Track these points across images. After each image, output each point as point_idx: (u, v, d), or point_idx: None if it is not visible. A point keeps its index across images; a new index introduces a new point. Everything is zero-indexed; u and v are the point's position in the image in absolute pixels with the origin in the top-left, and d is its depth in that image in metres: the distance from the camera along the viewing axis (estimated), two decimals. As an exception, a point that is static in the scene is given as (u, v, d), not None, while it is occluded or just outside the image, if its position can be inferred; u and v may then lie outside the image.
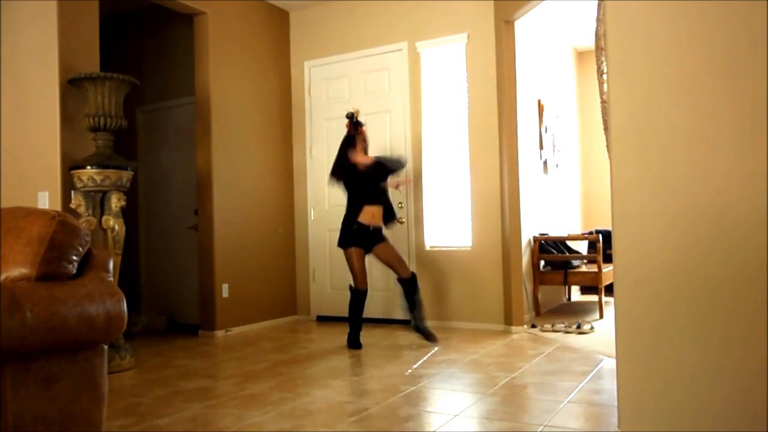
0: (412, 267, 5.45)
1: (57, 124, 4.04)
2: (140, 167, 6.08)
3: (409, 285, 4.54)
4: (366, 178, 4.55)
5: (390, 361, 4.01)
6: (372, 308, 5.57)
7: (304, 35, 6.10)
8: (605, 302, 5.85)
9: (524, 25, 5.61)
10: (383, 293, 5.58)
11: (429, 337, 4.55)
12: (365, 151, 4.67)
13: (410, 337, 4.85)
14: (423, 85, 5.51)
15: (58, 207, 3.97)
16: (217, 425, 2.75)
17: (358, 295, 4.54)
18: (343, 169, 4.59)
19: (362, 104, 5.57)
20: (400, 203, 5.51)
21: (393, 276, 5.50)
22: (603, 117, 3.29)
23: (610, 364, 3.70)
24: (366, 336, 4.83)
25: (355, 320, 4.55)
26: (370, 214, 4.50)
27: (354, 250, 4.50)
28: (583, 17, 6.50)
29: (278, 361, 4.09)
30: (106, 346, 2.05)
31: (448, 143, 5.46)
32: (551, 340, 4.58)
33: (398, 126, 5.58)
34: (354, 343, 4.53)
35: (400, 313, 5.49)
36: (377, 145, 5.64)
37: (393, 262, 4.56)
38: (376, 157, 4.66)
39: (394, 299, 5.53)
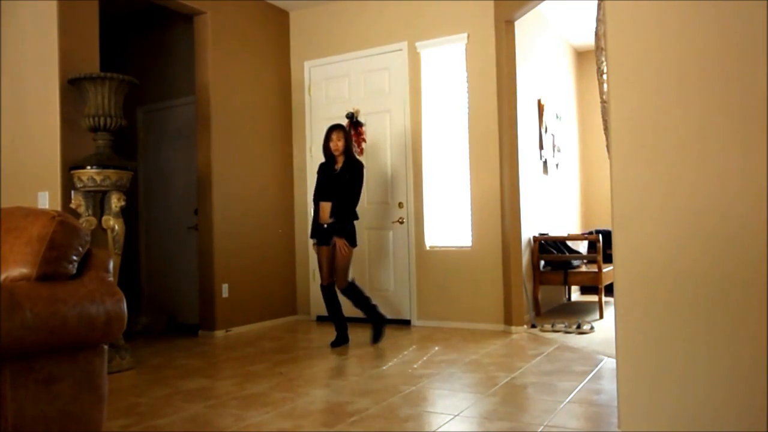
0: (412, 267, 5.46)
1: (57, 124, 4.04)
2: (140, 167, 6.09)
3: (347, 294, 4.58)
4: (331, 181, 4.60)
5: (390, 361, 4.01)
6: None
7: (304, 35, 6.10)
8: (605, 302, 5.85)
9: (524, 25, 5.61)
10: (382, 293, 5.58)
11: (378, 336, 4.61)
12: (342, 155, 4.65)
13: (410, 338, 4.86)
14: (423, 85, 5.51)
15: (58, 207, 3.97)
16: (217, 425, 2.75)
17: (323, 290, 4.65)
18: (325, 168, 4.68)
19: (362, 104, 5.57)
20: (400, 203, 5.52)
21: (392, 276, 5.54)
22: (603, 117, 3.29)
23: (610, 364, 3.70)
24: (365, 336, 4.83)
25: (332, 317, 4.66)
26: (323, 210, 4.61)
27: (316, 248, 4.68)
28: (583, 17, 6.50)
29: (278, 361, 4.09)
30: (106, 346, 2.05)
31: (448, 143, 5.46)
32: (551, 340, 4.58)
33: (398, 126, 5.59)
34: (338, 340, 4.61)
35: (399, 312, 5.51)
36: (377, 144, 5.66)
37: (336, 267, 4.56)
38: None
39: (393, 299, 5.54)
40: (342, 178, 4.56)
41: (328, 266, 4.60)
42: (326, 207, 4.58)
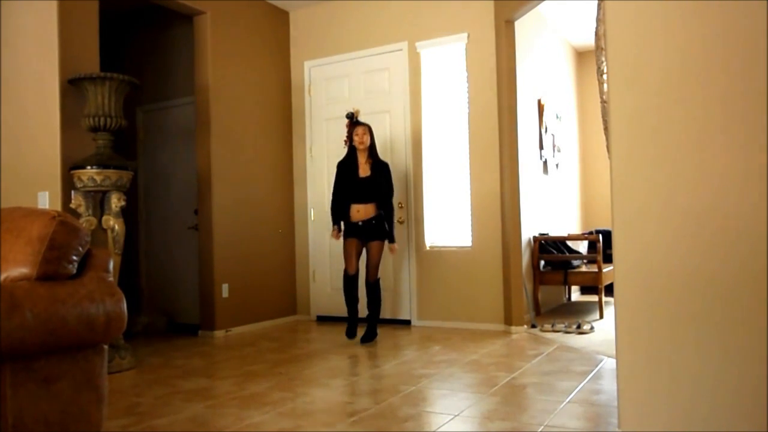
0: (413, 267, 5.47)
1: (57, 124, 4.04)
2: (140, 167, 6.09)
3: (372, 288, 4.75)
4: (363, 185, 4.72)
5: (390, 361, 4.01)
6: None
7: (304, 35, 6.10)
8: (605, 302, 5.85)
9: (524, 25, 5.61)
10: (383, 293, 5.57)
11: (371, 337, 4.72)
12: (367, 153, 4.77)
13: (410, 338, 4.86)
14: (423, 85, 5.51)
15: (58, 207, 3.97)
16: (217, 425, 2.75)
17: (347, 278, 4.74)
18: (346, 179, 4.78)
19: (362, 104, 5.57)
20: (400, 203, 5.52)
21: (393, 275, 5.54)
22: (603, 117, 3.29)
23: (610, 364, 3.70)
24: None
25: (349, 306, 4.76)
26: (356, 211, 4.71)
27: (348, 240, 4.75)
28: (583, 17, 6.50)
29: (278, 361, 4.09)
30: (106, 346, 2.05)
31: (448, 143, 5.46)
32: (551, 340, 4.58)
33: (398, 126, 5.59)
34: (350, 332, 4.77)
35: (399, 312, 5.51)
36: (377, 144, 5.65)
37: (372, 262, 4.73)
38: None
39: (395, 299, 5.54)
40: (376, 181, 4.71)
41: (358, 258, 4.73)
42: (363, 208, 4.68)
